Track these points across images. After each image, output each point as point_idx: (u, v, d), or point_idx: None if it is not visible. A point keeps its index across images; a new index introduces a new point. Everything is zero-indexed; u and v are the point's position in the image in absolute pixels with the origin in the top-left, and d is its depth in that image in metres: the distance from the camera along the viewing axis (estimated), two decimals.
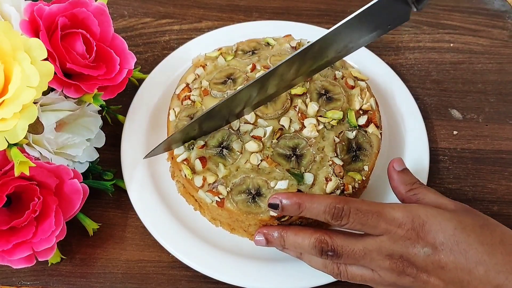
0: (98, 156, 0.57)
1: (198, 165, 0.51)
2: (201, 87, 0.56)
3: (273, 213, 0.48)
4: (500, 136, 0.65)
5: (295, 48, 0.59)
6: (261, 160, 0.50)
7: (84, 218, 0.54)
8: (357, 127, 0.53)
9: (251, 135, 0.51)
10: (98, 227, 0.55)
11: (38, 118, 0.46)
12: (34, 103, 0.46)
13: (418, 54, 0.73)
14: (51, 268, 0.53)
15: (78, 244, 0.55)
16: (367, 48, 0.68)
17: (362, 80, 0.58)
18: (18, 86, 0.43)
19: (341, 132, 0.52)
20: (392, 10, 0.43)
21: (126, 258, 0.54)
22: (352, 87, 0.56)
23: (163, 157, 0.58)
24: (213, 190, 0.49)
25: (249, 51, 0.59)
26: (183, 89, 0.57)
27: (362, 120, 0.54)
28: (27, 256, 0.47)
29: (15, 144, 0.45)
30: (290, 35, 0.61)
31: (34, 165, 0.45)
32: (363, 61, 0.66)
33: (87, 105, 0.55)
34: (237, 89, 0.50)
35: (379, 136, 0.54)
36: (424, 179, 0.57)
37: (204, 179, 0.50)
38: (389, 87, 0.64)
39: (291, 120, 0.52)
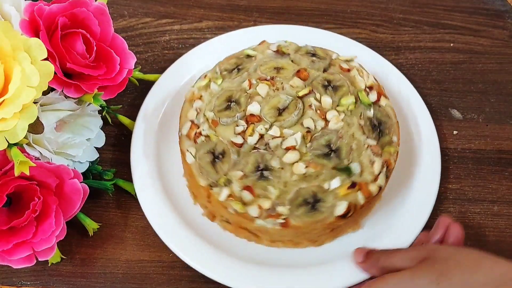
0: (98, 156, 0.57)
1: (246, 195, 0.48)
2: (207, 120, 0.53)
3: (338, 212, 0.48)
4: (501, 136, 0.65)
5: (277, 51, 0.58)
6: (306, 167, 0.49)
7: (84, 218, 0.54)
8: (371, 104, 0.54)
9: (283, 148, 0.50)
10: (98, 227, 0.55)
11: (38, 118, 0.46)
12: (34, 103, 0.46)
13: (418, 54, 0.73)
14: (51, 268, 0.53)
15: (78, 244, 0.55)
16: (370, 49, 0.68)
17: (351, 61, 0.59)
18: (18, 86, 0.43)
19: (360, 114, 0.53)
20: None
21: (126, 258, 0.54)
22: (349, 70, 0.57)
23: (173, 157, 0.58)
24: (272, 214, 0.48)
25: (234, 69, 0.57)
26: (190, 128, 0.53)
27: (373, 96, 0.55)
28: (27, 256, 0.47)
29: (15, 144, 0.45)
30: (264, 41, 0.61)
31: (34, 165, 0.45)
32: (370, 62, 0.66)
33: (87, 105, 0.55)
34: None
35: (391, 106, 0.55)
36: (436, 179, 0.57)
37: (260, 207, 0.48)
38: (396, 89, 0.65)
39: (313, 119, 0.52)
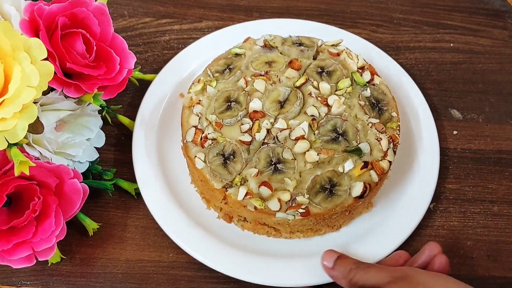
0: (98, 156, 0.57)
1: (264, 191, 0.49)
2: (210, 123, 0.53)
3: (356, 194, 0.49)
4: (501, 136, 0.65)
5: (264, 46, 0.59)
6: (318, 154, 0.50)
7: (84, 218, 0.54)
8: (367, 84, 0.55)
9: (292, 138, 0.51)
10: (98, 227, 0.55)
11: (38, 117, 0.46)
12: (34, 102, 0.46)
13: (418, 54, 0.73)
14: (51, 268, 0.53)
15: (78, 244, 0.55)
16: (376, 46, 0.68)
17: (338, 44, 0.60)
18: (18, 86, 0.43)
19: (358, 95, 0.54)
20: None
21: (126, 258, 0.54)
22: (338, 54, 0.58)
23: (175, 154, 0.58)
24: (293, 205, 0.49)
25: (225, 69, 0.57)
26: (195, 134, 0.53)
27: (366, 76, 0.56)
28: (27, 256, 0.47)
29: (15, 144, 0.45)
30: (249, 37, 0.61)
31: (34, 164, 0.45)
32: (374, 59, 0.66)
33: (87, 105, 0.55)
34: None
35: (385, 83, 0.57)
36: (434, 177, 0.58)
37: (279, 200, 0.49)
38: (398, 86, 0.65)
39: (315, 107, 0.52)
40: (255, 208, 0.49)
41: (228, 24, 0.73)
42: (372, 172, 0.51)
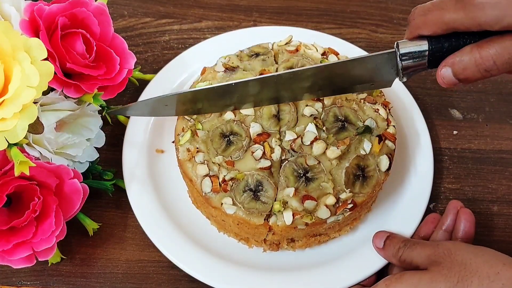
0: (98, 156, 0.57)
1: (310, 204, 0.48)
2: (220, 165, 0.50)
3: (385, 167, 0.51)
4: (501, 135, 0.65)
5: (226, 70, 0.56)
6: (338, 148, 0.50)
7: (84, 218, 0.54)
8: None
9: (307, 144, 0.50)
10: (98, 227, 0.55)
11: (38, 118, 0.46)
12: (34, 103, 0.46)
13: None
14: (51, 268, 0.53)
15: (78, 244, 0.55)
16: (363, 49, 0.68)
17: (290, 42, 0.59)
18: (18, 86, 0.43)
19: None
20: (382, 71, 0.45)
21: (126, 258, 0.54)
22: (297, 50, 0.58)
23: (167, 160, 0.58)
24: (340, 204, 0.48)
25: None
26: (212, 182, 0.50)
27: (333, 59, 0.57)
28: (27, 256, 0.47)
29: (15, 144, 0.45)
30: (205, 68, 0.59)
31: (34, 165, 0.45)
32: None
33: (87, 105, 0.55)
34: (240, 80, 0.50)
35: (346, 57, 0.57)
36: (429, 181, 0.57)
37: (327, 206, 0.48)
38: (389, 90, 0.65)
39: (309, 105, 0.52)
40: (306, 224, 0.48)
41: (227, 24, 0.73)
42: (387, 142, 0.52)
